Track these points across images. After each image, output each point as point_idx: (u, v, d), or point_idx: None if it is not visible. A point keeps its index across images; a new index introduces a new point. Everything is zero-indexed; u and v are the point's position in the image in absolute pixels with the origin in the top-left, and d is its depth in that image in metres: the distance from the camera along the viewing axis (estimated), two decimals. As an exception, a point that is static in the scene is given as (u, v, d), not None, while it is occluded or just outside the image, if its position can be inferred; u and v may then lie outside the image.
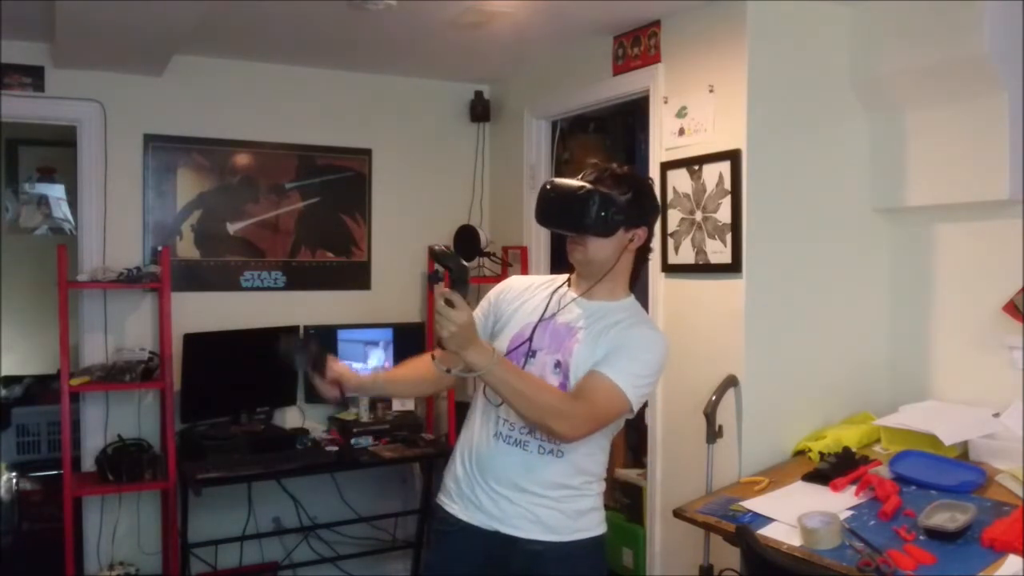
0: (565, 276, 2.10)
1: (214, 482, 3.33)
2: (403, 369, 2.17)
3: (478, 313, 2.07)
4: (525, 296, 2.07)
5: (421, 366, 2.12)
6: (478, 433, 2.01)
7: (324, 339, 3.92)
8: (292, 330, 3.88)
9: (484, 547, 1.96)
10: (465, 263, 1.76)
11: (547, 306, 2.00)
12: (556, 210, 1.94)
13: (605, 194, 1.89)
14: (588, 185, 1.90)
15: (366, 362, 3.98)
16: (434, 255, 1.85)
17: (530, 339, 1.96)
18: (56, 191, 5.60)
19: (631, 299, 2.06)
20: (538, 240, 3.95)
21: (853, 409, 3.01)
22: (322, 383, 1.96)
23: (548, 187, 1.97)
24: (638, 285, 3.45)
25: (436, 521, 2.08)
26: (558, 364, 1.94)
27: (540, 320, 1.98)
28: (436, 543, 2.09)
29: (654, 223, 2.04)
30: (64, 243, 3.47)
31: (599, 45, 3.46)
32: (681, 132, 3.05)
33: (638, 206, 1.96)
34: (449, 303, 1.70)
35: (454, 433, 3.12)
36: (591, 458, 1.98)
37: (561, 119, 3.98)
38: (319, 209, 4.07)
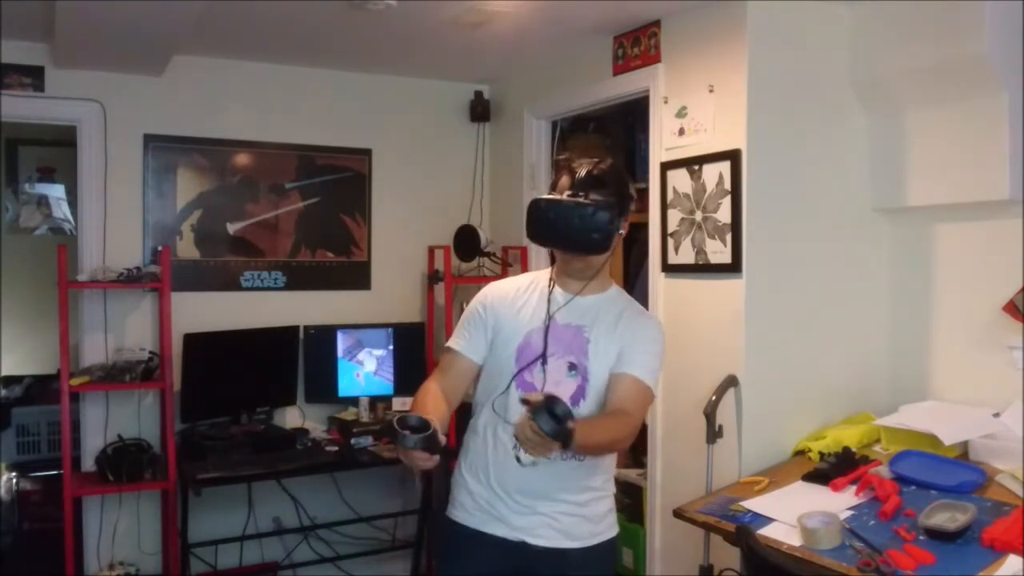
0: (546, 273, 2.07)
1: (214, 482, 3.33)
2: (432, 412, 1.90)
3: (469, 329, 2.03)
4: (517, 303, 2.03)
5: (440, 407, 1.94)
6: (492, 450, 1.98)
7: (324, 339, 3.93)
8: (293, 331, 3.90)
9: (509, 558, 1.96)
10: (565, 427, 1.63)
11: (547, 310, 1.98)
12: (557, 231, 1.90)
13: (604, 208, 1.86)
14: (589, 203, 1.86)
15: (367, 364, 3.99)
16: (530, 410, 1.67)
17: (544, 346, 1.95)
18: (56, 191, 5.60)
19: (616, 287, 2.08)
20: (538, 240, 3.94)
21: (853, 409, 3.01)
22: (423, 456, 1.75)
23: (543, 205, 1.91)
24: (638, 284, 3.47)
25: (453, 537, 2.04)
26: (572, 367, 1.95)
27: (543, 326, 1.97)
28: (456, 558, 2.04)
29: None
30: (64, 243, 3.47)
31: (599, 45, 3.46)
32: (681, 132, 3.05)
33: (622, 202, 1.95)
34: (536, 432, 1.63)
35: (454, 433, 3.11)
36: (606, 458, 2.03)
37: (561, 119, 3.98)
38: (319, 209, 4.07)
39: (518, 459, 1.83)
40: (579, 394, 1.94)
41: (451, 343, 2.08)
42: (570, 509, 1.96)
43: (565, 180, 1.96)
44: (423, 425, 1.73)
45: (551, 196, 1.94)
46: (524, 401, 1.68)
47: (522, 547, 1.95)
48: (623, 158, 4.03)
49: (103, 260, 3.61)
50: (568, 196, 1.90)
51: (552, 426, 1.63)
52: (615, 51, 3.41)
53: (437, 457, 1.77)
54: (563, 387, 1.93)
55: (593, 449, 1.84)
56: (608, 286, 2.05)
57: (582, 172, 1.93)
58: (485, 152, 4.39)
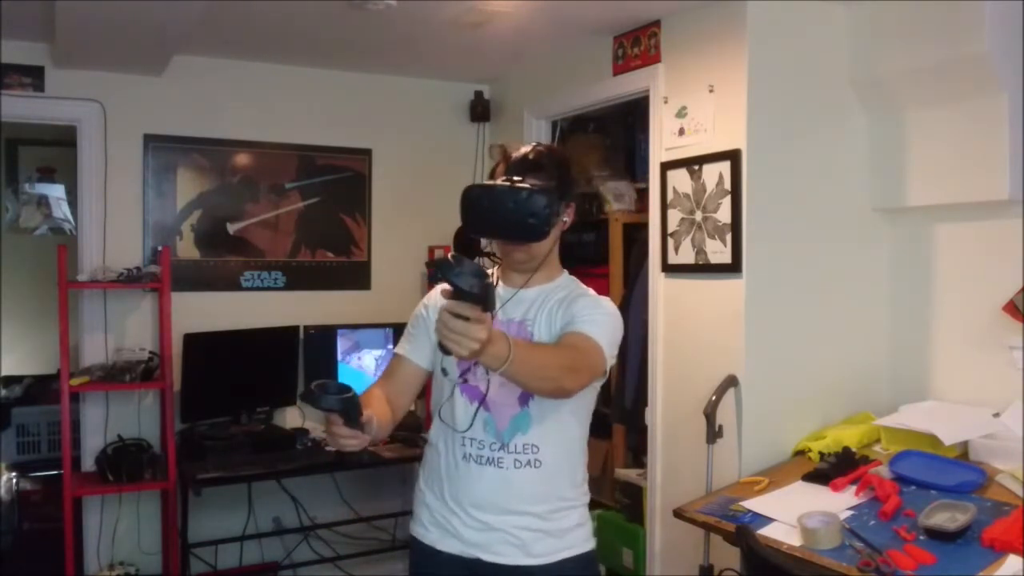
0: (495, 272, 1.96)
1: (214, 482, 3.34)
2: (374, 410, 1.78)
3: (413, 332, 1.95)
4: None
5: (383, 410, 1.83)
6: (445, 460, 1.88)
7: (324, 339, 3.93)
8: (293, 331, 3.90)
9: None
10: (479, 274, 1.43)
11: None
12: (492, 219, 1.70)
13: (541, 192, 1.67)
14: (524, 187, 1.68)
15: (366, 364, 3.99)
16: (436, 266, 1.46)
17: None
18: (56, 191, 5.60)
19: (567, 275, 1.95)
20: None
21: (853, 409, 3.01)
22: (345, 432, 1.62)
23: (476, 193, 1.71)
24: (638, 284, 3.47)
25: (414, 553, 1.95)
26: None
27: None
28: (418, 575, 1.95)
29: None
30: (64, 243, 3.47)
31: (599, 45, 3.46)
32: (681, 132, 3.05)
33: (562, 187, 1.83)
34: (461, 316, 1.41)
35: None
36: (570, 462, 1.88)
37: (561, 119, 3.98)
38: (319, 209, 4.07)
39: (444, 371, 1.78)
40: (527, 393, 1.78)
41: (397, 347, 1.98)
42: (529, 523, 1.81)
43: (501, 167, 1.87)
44: (344, 391, 1.57)
45: (485, 183, 1.81)
46: (428, 264, 1.49)
47: (477, 564, 1.84)
48: (623, 157, 4.04)
49: (103, 260, 3.61)
50: (503, 181, 1.75)
51: (466, 280, 1.40)
52: (615, 51, 3.41)
53: (366, 437, 1.64)
54: (509, 387, 1.77)
55: (527, 362, 1.57)
56: (556, 276, 1.92)
57: (517, 156, 1.85)
58: (485, 152, 4.39)
